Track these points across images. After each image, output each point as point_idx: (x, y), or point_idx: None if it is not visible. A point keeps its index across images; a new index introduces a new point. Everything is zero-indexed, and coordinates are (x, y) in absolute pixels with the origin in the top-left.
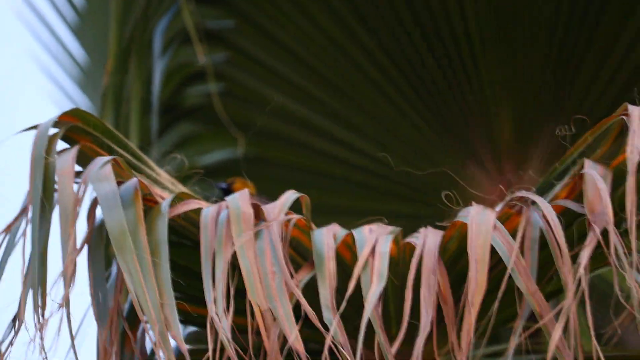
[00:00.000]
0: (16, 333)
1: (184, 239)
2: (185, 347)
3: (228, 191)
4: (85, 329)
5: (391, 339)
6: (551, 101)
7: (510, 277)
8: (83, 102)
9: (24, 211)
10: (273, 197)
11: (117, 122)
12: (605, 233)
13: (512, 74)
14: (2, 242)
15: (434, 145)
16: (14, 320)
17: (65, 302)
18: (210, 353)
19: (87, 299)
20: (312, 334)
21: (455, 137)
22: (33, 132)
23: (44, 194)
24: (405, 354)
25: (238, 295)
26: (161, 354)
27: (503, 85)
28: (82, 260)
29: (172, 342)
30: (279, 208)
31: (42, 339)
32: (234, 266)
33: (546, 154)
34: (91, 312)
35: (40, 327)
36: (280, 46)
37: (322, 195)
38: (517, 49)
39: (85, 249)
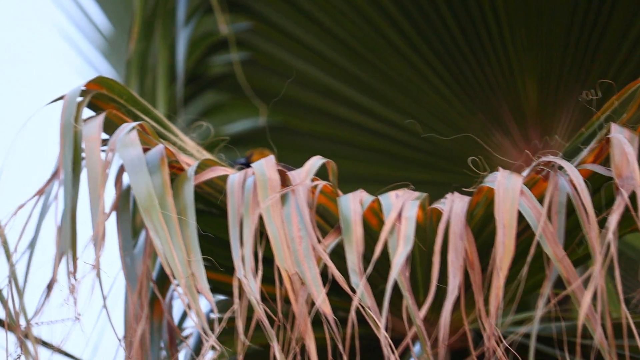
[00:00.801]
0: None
1: (211, 207)
2: (212, 298)
3: (247, 165)
4: (116, 292)
5: (419, 305)
6: (577, 66)
7: (538, 243)
8: (107, 71)
9: (54, 175)
10: (298, 166)
11: (142, 90)
12: (633, 197)
13: (537, 39)
14: (36, 205)
15: (459, 112)
16: (48, 285)
17: (96, 265)
18: (239, 315)
19: (117, 263)
20: (339, 302)
21: (481, 104)
22: (60, 101)
23: (72, 160)
24: (433, 321)
25: (266, 264)
26: (190, 313)
27: (528, 51)
28: (111, 226)
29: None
30: (305, 174)
31: (74, 301)
32: (261, 233)
33: (572, 119)
34: (121, 276)
35: (72, 289)
36: (305, 14)
37: (348, 164)
38: (541, 14)
39: (114, 215)
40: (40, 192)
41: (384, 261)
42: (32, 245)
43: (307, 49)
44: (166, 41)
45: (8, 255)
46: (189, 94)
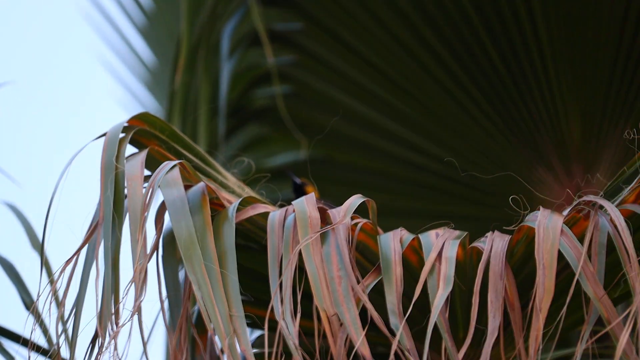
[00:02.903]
0: (99, 348)
1: (251, 242)
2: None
3: (300, 187)
4: (155, 335)
5: (458, 342)
6: (620, 103)
7: (577, 281)
8: (150, 104)
9: (97, 223)
10: (339, 199)
11: (184, 124)
12: None
13: (581, 76)
14: (79, 256)
15: (502, 148)
16: (93, 340)
17: (137, 311)
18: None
19: (156, 304)
20: (378, 337)
21: (524, 140)
22: (103, 138)
23: (114, 201)
24: (472, 357)
25: (305, 299)
26: None
27: (572, 88)
28: (152, 265)
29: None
30: (344, 212)
31: (115, 347)
32: (302, 269)
33: (615, 156)
34: (161, 318)
35: (114, 335)
36: (348, 48)
37: (389, 198)
38: (585, 51)
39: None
40: (85, 242)
41: (424, 297)
42: (79, 299)
43: (351, 83)
44: (209, 74)
45: (60, 313)
46: (231, 126)
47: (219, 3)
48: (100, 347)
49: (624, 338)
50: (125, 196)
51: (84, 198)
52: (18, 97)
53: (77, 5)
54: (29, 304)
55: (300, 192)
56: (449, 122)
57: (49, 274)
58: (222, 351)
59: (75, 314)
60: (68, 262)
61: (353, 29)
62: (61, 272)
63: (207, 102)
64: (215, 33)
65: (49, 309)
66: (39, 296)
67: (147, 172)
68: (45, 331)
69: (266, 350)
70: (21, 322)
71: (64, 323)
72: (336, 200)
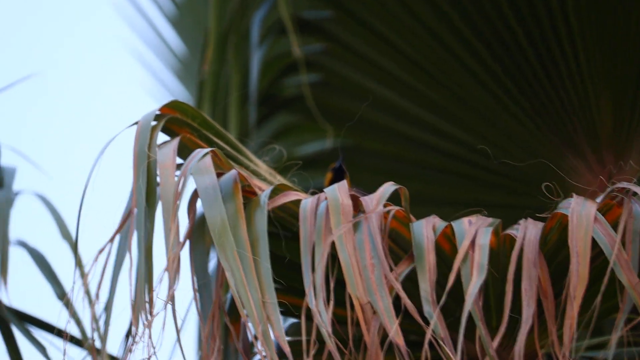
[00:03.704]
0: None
1: (283, 230)
2: (289, 349)
3: (341, 172)
4: (188, 323)
5: (491, 330)
6: None
7: (611, 269)
8: (180, 93)
9: (129, 212)
10: (370, 187)
11: (214, 112)
12: None
13: (612, 62)
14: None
15: (533, 136)
16: (127, 334)
17: (171, 299)
18: (310, 346)
19: (187, 293)
20: (412, 325)
21: (555, 127)
22: (135, 127)
23: (147, 189)
24: (506, 346)
25: (337, 286)
26: (263, 352)
27: (603, 75)
28: (185, 252)
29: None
30: (377, 199)
31: (150, 336)
32: (334, 257)
33: None
34: (194, 306)
35: (149, 324)
36: (378, 36)
37: (420, 186)
38: (616, 36)
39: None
40: (117, 231)
41: (457, 286)
42: (112, 289)
43: (380, 70)
44: (239, 62)
45: (91, 304)
46: (261, 115)
47: None
48: (134, 337)
49: None
50: (158, 184)
51: (115, 187)
52: (48, 88)
53: None
54: (60, 294)
55: (339, 174)
56: (480, 110)
57: (80, 264)
58: (255, 338)
59: (108, 304)
60: (101, 251)
61: (382, 16)
62: (94, 262)
63: (238, 90)
64: (245, 21)
65: (82, 299)
66: (73, 287)
67: (179, 160)
68: (78, 322)
69: (304, 338)
70: (52, 313)
71: (97, 314)
72: (367, 188)
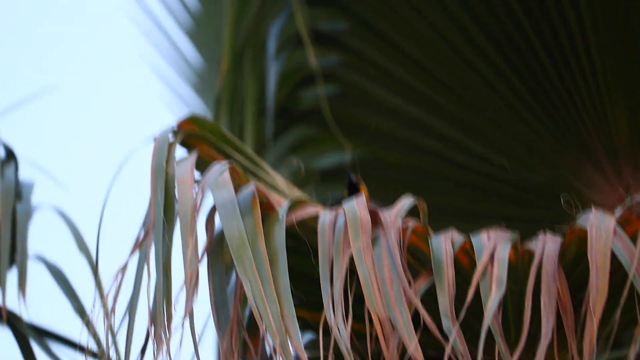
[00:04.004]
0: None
1: (302, 244)
2: (306, 357)
3: (355, 186)
4: (206, 337)
5: (510, 344)
6: None
7: (631, 282)
8: (198, 106)
9: (148, 228)
10: (388, 199)
11: (231, 125)
12: None
13: (630, 76)
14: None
15: (551, 148)
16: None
17: (189, 314)
18: None
19: (207, 306)
20: (431, 341)
21: (573, 139)
22: (152, 141)
23: (165, 204)
24: (525, 359)
25: (356, 301)
26: None
27: (620, 88)
28: (202, 267)
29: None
30: (395, 214)
31: (169, 351)
32: (352, 271)
33: None
34: (211, 320)
35: (167, 339)
36: (395, 48)
37: (439, 199)
38: (633, 48)
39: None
40: (136, 247)
41: (476, 300)
42: (132, 304)
43: (398, 82)
44: (256, 75)
45: (110, 319)
46: (278, 127)
47: (265, 4)
48: (153, 352)
49: None
50: (176, 199)
51: (133, 201)
52: (65, 102)
53: (124, 9)
54: (78, 309)
55: (353, 190)
56: (497, 121)
57: (98, 283)
58: (274, 351)
59: (129, 320)
60: (122, 269)
61: (399, 27)
62: (114, 279)
63: (254, 103)
64: (262, 34)
65: (101, 314)
66: (93, 304)
67: (196, 175)
68: (95, 336)
69: (321, 353)
70: (70, 327)
71: (114, 330)
72: (385, 201)
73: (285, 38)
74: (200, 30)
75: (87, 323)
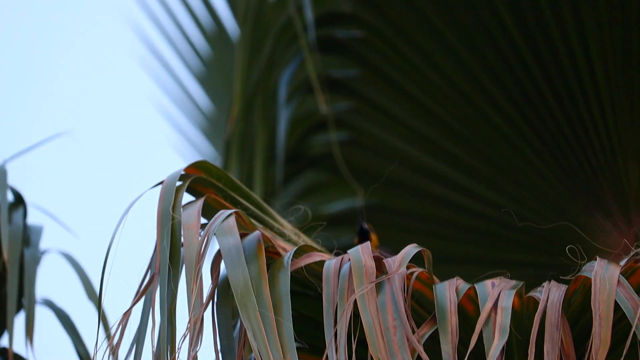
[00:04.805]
0: None
1: (307, 289)
2: None
3: (366, 233)
4: None
5: None
6: None
7: (634, 333)
8: (207, 151)
9: (154, 274)
10: (396, 245)
11: (241, 170)
12: None
13: None
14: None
15: (560, 194)
16: None
17: None
18: None
19: (211, 353)
20: None
21: (582, 187)
22: (159, 187)
23: (171, 249)
24: None
25: (359, 346)
26: None
27: (630, 134)
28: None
29: None
30: (400, 261)
31: None
32: (357, 316)
33: None
34: None
35: None
36: (405, 95)
37: (446, 244)
38: None
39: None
40: (142, 293)
41: (480, 347)
42: (137, 351)
43: (408, 129)
44: (266, 121)
45: None
46: (288, 173)
47: (277, 50)
48: None
49: None
50: (182, 245)
51: (139, 246)
52: (74, 146)
53: (135, 53)
54: (84, 355)
55: (364, 237)
56: (507, 169)
57: (106, 327)
58: None
59: None
60: (126, 314)
61: (410, 75)
62: (119, 325)
63: (264, 149)
64: (273, 80)
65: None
66: (96, 350)
67: (203, 220)
68: None
69: None
70: None
71: None
72: (392, 246)
73: (296, 84)
74: (210, 74)
75: None
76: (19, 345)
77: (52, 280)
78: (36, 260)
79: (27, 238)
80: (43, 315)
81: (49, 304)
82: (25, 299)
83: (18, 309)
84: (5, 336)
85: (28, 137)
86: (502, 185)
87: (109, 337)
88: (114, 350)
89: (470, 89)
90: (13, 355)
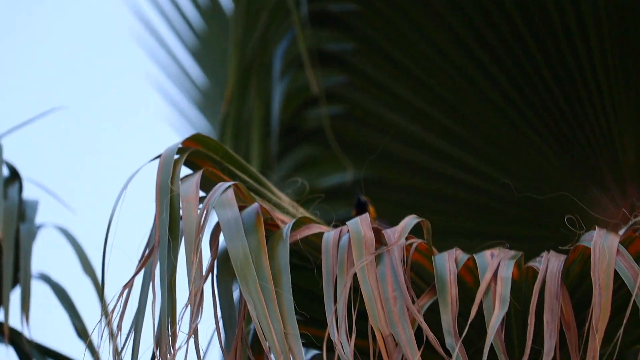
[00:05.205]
0: None
1: (306, 262)
2: None
3: (363, 205)
4: (211, 355)
5: None
6: None
7: (634, 301)
8: (202, 125)
9: (153, 246)
10: (393, 220)
11: (237, 145)
12: None
13: (635, 95)
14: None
15: (556, 167)
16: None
17: (194, 333)
18: None
19: (211, 325)
20: (434, 357)
21: (578, 159)
22: (157, 160)
23: (170, 222)
24: None
25: (360, 318)
26: None
27: (626, 107)
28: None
29: None
30: (399, 232)
31: None
32: (356, 289)
33: None
34: (216, 338)
35: (172, 358)
36: (400, 69)
37: (443, 219)
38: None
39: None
40: (142, 266)
41: (479, 318)
42: (137, 324)
43: (403, 103)
44: (261, 95)
45: (114, 339)
46: (283, 147)
47: (271, 25)
48: None
49: None
50: (181, 217)
51: (138, 220)
52: (69, 121)
53: (129, 28)
54: (81, 329)
55: (362, 209)
56: (503, 143)
57: (103, 299)
58: None
59: (134, 339)
60: (125, 287)
61: (405, 49)
62: (119, 298)
63: (260, 123)
64: (268, 54)
65: (105, 335)
66: (97, 323)
67: (201, 194)
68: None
69: None
70: (73, 347)
71: (120, 352)
72: (390, 221)
73: (290, 59)
74: (205, 49)
75: (89, 344)
76: (14, 320)
77: (48, 255)
78: (32, 235)
79: (23, 213)
80: (39, 289)
81: (45, 279)
82: (21, 274)
83: (14, 284)
84: (1, 311)
85: (23, 112)
86: (498, 159)
87: (106, 313)
88: (117, 324)
89: (465, 62)
90: (9, 330)
